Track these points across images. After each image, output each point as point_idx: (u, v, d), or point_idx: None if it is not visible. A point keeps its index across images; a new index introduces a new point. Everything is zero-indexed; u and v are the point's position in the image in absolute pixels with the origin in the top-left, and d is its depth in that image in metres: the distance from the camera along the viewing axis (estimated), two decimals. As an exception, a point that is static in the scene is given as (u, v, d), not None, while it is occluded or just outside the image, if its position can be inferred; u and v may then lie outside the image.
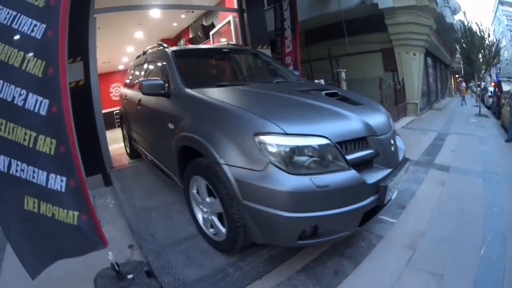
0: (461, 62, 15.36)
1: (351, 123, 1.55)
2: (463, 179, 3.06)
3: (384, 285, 1.54)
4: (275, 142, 1.35)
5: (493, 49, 12.18)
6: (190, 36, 7.58)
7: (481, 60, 12.27)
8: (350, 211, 1.36)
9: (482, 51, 12.10)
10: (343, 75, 5.59)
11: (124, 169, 3.54)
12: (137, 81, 3.12)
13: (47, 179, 1.28)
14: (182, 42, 8.34)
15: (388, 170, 1.59)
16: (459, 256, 1.77)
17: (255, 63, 3.25)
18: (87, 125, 3.06)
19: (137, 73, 3.44)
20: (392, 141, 1.73)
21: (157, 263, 1.71)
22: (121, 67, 10.53)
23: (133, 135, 3.51)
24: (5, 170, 1.28)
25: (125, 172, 3.42)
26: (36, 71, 1.24)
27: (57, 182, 1.29)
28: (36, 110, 1.25)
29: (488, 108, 13.24)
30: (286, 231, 1.37)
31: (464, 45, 12.56)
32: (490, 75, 15.27)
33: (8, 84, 1.26)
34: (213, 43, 5.69)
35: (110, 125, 9.07)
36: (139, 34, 7.50)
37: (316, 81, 5.23)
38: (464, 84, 17.42)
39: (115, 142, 4.83)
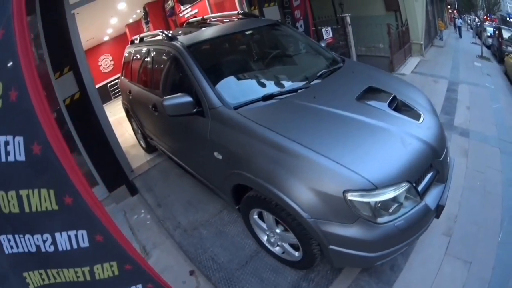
0: None
1: (422, 153, 1.58)
2: (483, 148, 3.47)
3: (430, 275, 1.92)
4: (367, 199, 1.39)
5: None
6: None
7: (481, 4, 13.18)
8: (416, 237, 1.62)
9: None
10: (348, 20, 5.73)
11: (146, 171, 3.53)
12: (147, 86, 2.88)
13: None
14: (170, 3, 7.89)
15: (443, 185, 1.73)
16: (483, 242, 2.16)
17: (285, 44, 2.85)
18: (97, 139, 2.97)
19: (138, 65, 3.14)
20: (448, 156, 1.84)
21: (234, 292, 1.77)
22: (106, 38, 10.24)
23: (149, 134, 3.39)
24: None
25: (149, 176, 3.43)
26: None
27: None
28: (9, 159, 0.88)
29: (488, 47, 13.87)
30: (367, 263, 1.62)
31: None
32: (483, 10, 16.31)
33: None
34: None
35: (106, 99, 9.45)
36: (121, 5, 7.22)
37: (323, 29, 5.38)
38: (459, 20, 18.06)
39: (118, 123, 4.72)
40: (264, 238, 2.05)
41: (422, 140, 1.62)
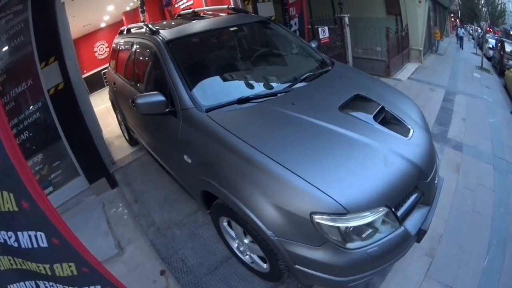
0: (459, 5, 15.67)
1: (406, 174, 1.43)
2: (476, 165, 3.34)
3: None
4: (336, 224, 1.26)
5: (498, 9, 12.92)
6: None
7: (485, 15, 13.00)
8: (392, 263, 1.50)
9: (488, 8, 12.74)
10: (346, 20, 5.64)
11: (127, 165, 3.47)
12: (129, 79, 2.81)
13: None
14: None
15: (428, 208, 1.58)
16: (467, 267, 2.05)
17: (271, 43, 2.67)
18: (79, 130, 2.93)
19: (123, 57, 3.04)
20: (436, 177, 1.68)
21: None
22: (102, 24, 10.08)
23: (131, 128, 3.29)
24: None
25: (130, 169, 3.37)
26: None
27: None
28: None
29: (488, 59, 13.75)
30: (337, 286, 1.45)
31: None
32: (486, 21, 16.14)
33: None
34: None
35: (99, 86, 9.31)
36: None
37: (319, 28, 5.27)
38: (461, 29, 17.81)
39: (108, 112, 4.60)
40: (234, 246, 1.97)
41: (407, 159, 1.47)
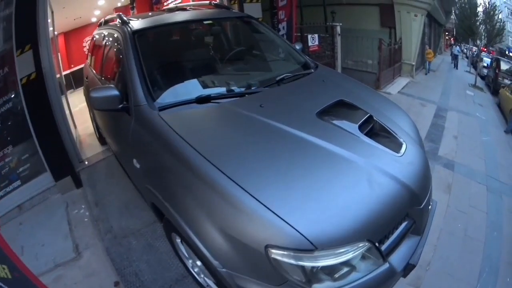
0: (455, 23, 15.71)
1: (396, 198, 1.15)
2: (468, 185, 3.14)
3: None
4: (300, 263, 0.96)
5: (496, 27, 12.86)
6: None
7: (482, 33, 12.90)
8: None
9: (485, 26, 12.70)
10: (338, 29, 5.53)
11: (95, 164, 3.26)
12: (97, 73, 2.60)
13: None
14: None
15: (418, 238, 1.31)
16: None
17: (250, 41, 2.52)
18: (46, 125, 2.75)
19: (96, 50, 2.83)
20: (430, 202, 1.40)
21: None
22: (93, 19, 9.88)
23: (98, 125, 3.11)
24: None
25: (96, 169, 3.16)
26: None
27: None
28: None
29: (482, 78, 13.70)
30: None
31: (463, 14, 13.00)
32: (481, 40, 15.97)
33: None
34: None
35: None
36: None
37: (309, 36, 5.12)
38: (456, 47, 17.67)
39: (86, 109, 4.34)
40: (189, 265, 1.72)
41: (398, 180, 1.19)
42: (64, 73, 6.33)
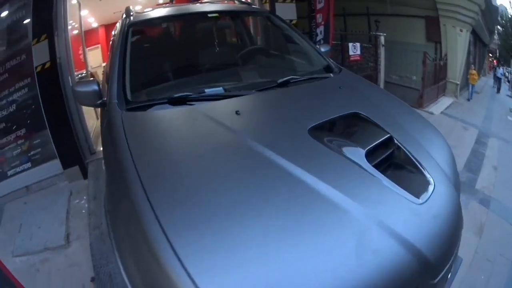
0: (498, 45, 14.40)
1: (400, 273, 0.77)
2: (502, 226, 2.69)
3: None
4: None
5: None
6: None
7: None
8: None
9: None
10: (382, 39, 5.15)
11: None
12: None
13: None
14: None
15: None
16: None
17: (263, 38, 2.31)
18: (58, 112, 2.85)
19: (110, 45, 2.87)
20: (450, 271, 0.98)
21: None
22: None
23: None
24: None
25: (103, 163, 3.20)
26: None
27: None
28: None
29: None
30: None
31: (505, 33, 11.98)
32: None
33: None
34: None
35: None
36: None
37: (350, 44, 4.79)
38: (500, 69, 15.92)
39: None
40: None
41: (407, 244, 0.79)
42: (103, 64, 6.62)
